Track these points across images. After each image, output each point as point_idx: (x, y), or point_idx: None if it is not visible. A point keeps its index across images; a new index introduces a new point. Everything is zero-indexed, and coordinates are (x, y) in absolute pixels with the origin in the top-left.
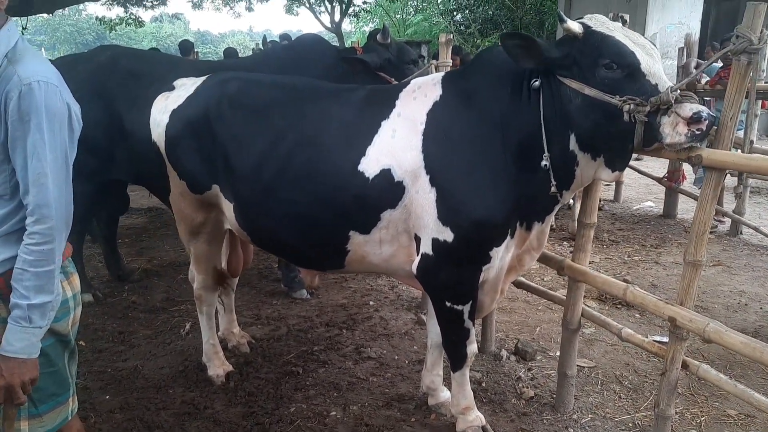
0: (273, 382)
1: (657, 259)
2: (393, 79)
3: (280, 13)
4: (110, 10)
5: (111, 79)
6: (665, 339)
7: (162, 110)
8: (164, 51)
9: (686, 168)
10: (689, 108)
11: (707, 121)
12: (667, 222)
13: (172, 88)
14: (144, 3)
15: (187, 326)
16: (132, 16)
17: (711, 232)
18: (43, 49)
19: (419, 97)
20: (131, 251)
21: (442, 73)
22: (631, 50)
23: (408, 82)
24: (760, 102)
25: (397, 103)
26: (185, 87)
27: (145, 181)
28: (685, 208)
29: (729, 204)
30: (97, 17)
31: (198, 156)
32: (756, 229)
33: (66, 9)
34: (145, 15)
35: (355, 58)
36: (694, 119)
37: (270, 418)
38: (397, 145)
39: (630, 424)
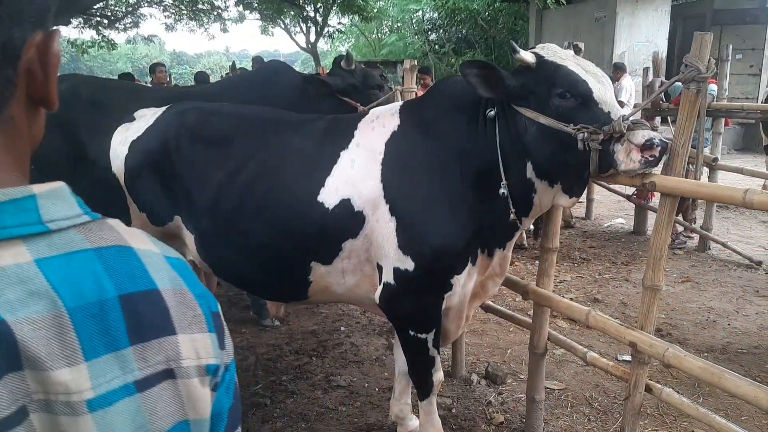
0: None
1: (627, 277)
2: (359, 105)
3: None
4: (82, 33)
5: (72, 109)
6: None
7: (122, 142)
8: (139, 73)
9: None
10: (641, 135)
11: (659, 147)
12: (637, 239)
13: (133, 119)
14: (116, 26)
15: None
16: (104, 39)
17: (680, 248)
18: None
19: (377, 127)
20: None
21: (399, 103)
22: (584, 79)
23: (366, 113)
24: (723, 120)
25: (356, 133)
26: (145, 118)
27: (110, 216)
28: None
29: (698, 220)
30: (68, 40)
31: (158, 188)
32: (724, 244)
33: None
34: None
35: (318, 80)
36: (646, 146)
37: None
38: (356, 174)
39: None
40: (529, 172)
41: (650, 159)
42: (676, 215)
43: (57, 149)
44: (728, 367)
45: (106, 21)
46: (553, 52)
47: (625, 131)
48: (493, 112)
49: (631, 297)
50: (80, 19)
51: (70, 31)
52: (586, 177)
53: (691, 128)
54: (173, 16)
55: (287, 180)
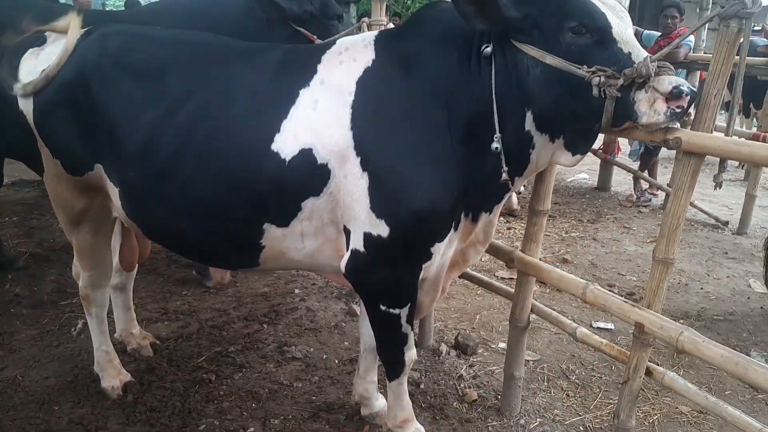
0: (180, 392)
1: (594, 236)
2: (315, 37)
3: None
4: None
5: None
6: (609, 326)
7: (31, 71)
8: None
9: (621, 139)
10: (668, 82)
11: (689, 97)
12: (602, 195)
13: (43, 42)
14: None
15: (80, 324)
16: None
17: (645, 206)
18: None
19: (346, 61)
20: (18, 232)
21: (373, 33)
22: (602, 11)
23: (332, 43)
24: (698, 73)
25: (320, 67)
26: (59, 42)
27: (20, 156)
28: (619, 180)
29: (664, 177)
30: None
31: (75, 129)
32: (691, 204)
33: None
34: None
35: (270, 2)
36: (674, 95)
37: None
38: (319, 119)
39: (581, 428)
40: (528, 124)
41: (677, 110)
42: (641, 171)
43: None
44: (706, 335)
45: None
46: None
47: (652, 75)
48: (489, 49)
49: (600, 257)
50: None
51: None
52: (596, 130)
53: (727, 74)
54: None
55: (234, 123)
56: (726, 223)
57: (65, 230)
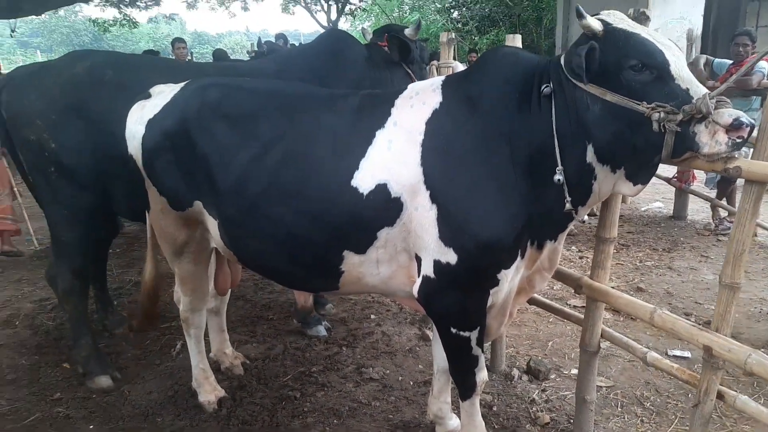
0: (268, 408)
1: (670, 264)
2: (415, 77)
3: (277, 13)
4: (104, 11)
5: (94, 94)
6: (686, 354)
7: (138, 120)
8: (162, 52)
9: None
10: (728, 114)
11: (749, 128)
12: (678, 224)
13: (148, 96)
14: (137, 4)
15: (178, 345)
16: (126, 17)
17: (724, 234)
18: (38, 51)
19: (417, 104)
20: (121, 262)
21: (441, 78)
22: (660, 49)
23: (405, 88)
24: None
25: (393, 111)
26: (162, 94)
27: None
28: (695, 209)
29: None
30: (90, 19)
31: (178, 170)
32: None
33: (61, 11)
34: (140, 16)
35: (404, 45)
36: (734, 126)
37: None
38: (393, 158)
39: None
40: (590, 156)
41: (738, 141)
42: (719, 199)
43: (81, 144)
44: None
45: None
46: (621, 18)
47: (711, 111)
48: (548, 89)
49: (676, 286)
50: None
51: (92, 10)
52: (656, 162)
53: None
54: None
55: (318, 162)
56: None
57: (169, 260)
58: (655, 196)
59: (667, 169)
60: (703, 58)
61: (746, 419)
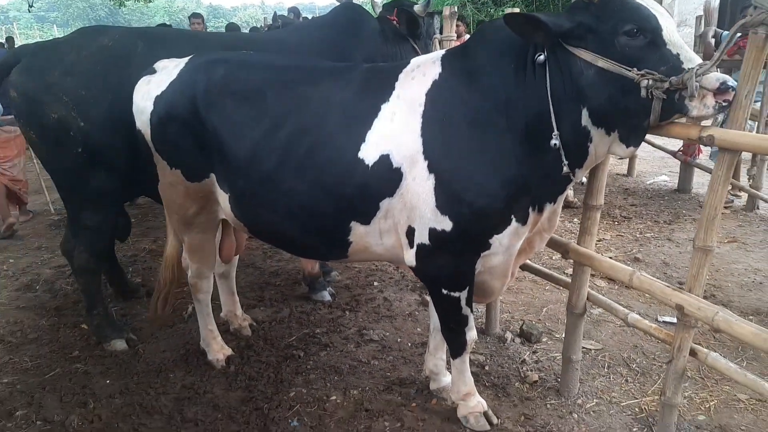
0: (273, 365)
1: (670, 236)
2: (420, 52)
3: None
4: None
5: (127, 66)
6: (674, 320)
7: (145, 96)
8: (176, 26)
9: None
10: (715, 78)
11: (734, 91)
12: (682, 197)
13: (153, 71)
14: None
15: (190, 308)
16: None
17: (726, 207)
18: (55, 26)
19: (418, 76)
20: (136, 231)
21: (442, 51)
22: (654, 14)
23: (407, 62)
24: None
25: (396, 84)
26: (167, 70)
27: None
28: (701, 182)
29: (746, 177)
30: None
31: (190, 144)
32: None
33: None
34: None
35: (413, 18)
36: (721, 90)
37: (269, 403)
38: (396, 128)
39: (636, 409)
40: (585, 119)
41: (723, 104)
42: None
43: (113, 123)
44: None
45: None
46: None
47: (695, 92)
48: (542, 57)
49: (673, 257)
50: None
51: None
52: (646, 126)
53: (757, 77)
54: None
55: (328, 136)
56: None
57: (178, 231)
58: (662, 170)
59: (673, 143)
60: (711, 31)
61: (726, 380)
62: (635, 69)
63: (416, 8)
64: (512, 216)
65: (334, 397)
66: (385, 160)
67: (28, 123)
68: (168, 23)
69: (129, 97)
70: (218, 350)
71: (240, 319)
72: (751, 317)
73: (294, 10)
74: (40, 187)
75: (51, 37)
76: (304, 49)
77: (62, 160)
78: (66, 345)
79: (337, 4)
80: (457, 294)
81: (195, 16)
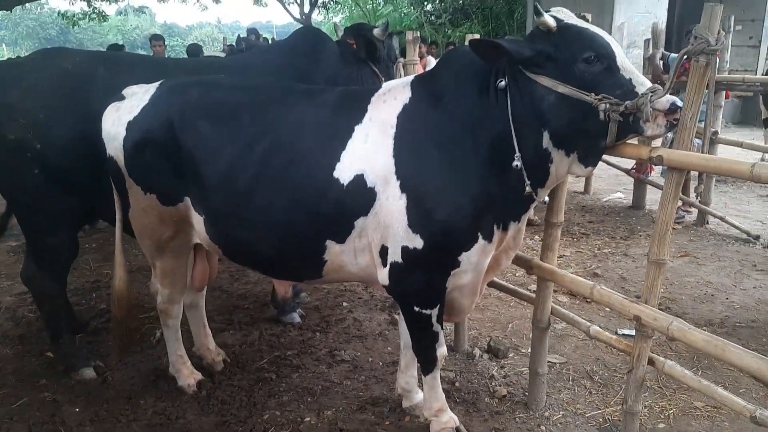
0: (246, 389)
1: (626, 251)
2: (383, 78)
3: (248, 4)
4: (72, 4)
5: (88, 89)
6: (633, 333)
7: (116, 122)
8: (130, 45)
9: None
10: (666, 100)
11: (682, 110)
12: (636, 213)
13: (122, 98)
14: None
15: (158, 334)
16: (95, 11)
17: (678, 223)
18: (3, 45)
19: (389, 100)
20: (98, 257)
21: (412, 76)
22: (608, 42)
23: (379, 86)
24: (723, 93)
25: (369, 107)
26: (137, 96)
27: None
28: (654, 199)
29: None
30: (59, 12)
31: (165, 168)
32: (722, 218)
33: (27, 3)
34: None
35: (370, 42)
36: (671, 110)
37: (243, 426)
38: (369, 149)
39: (600, 420)
40: (546, 142)
41: (674, 122)
42: None
43: (74, 145)
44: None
45: None
46: (570, 15)
47: (650, 116)
48: (503, 83)
49: (630, 272)
50: None
51: (60, 3)
52: (603, 146)
53: (700, 101)
54: None
55: (303, 156)
56: (757, 238)
57: (150, 256)
58: (617, 187)
59: (626, 161)
60: (659, 53)
61: (684, 389)
62: (593, 94)
63: (375, 32)
64: (479, 233)
65: (308, 419)
66: (359, 179)
67: None
68: (121, 43)
69: (88, 120)
70: (189, 375)
71: (214, 353)
72: (704, 328)
73: (253, 31)
74: None
75: None
76: (267, 73)
77: (19, 182)
78: (32, 373)
79: (294, 23)
80: (428, 311)
81: (156, 38)
